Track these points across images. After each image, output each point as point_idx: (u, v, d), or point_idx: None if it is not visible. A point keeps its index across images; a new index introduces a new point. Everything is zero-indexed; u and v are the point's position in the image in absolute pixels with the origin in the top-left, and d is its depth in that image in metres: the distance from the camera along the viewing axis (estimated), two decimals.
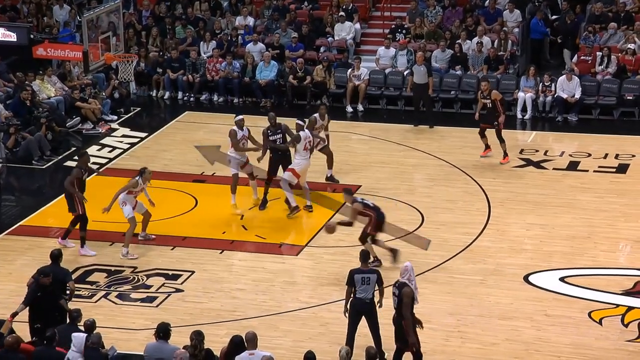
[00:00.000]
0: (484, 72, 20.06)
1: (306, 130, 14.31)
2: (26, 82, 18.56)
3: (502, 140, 16.55)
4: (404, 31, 21.13)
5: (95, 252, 13.49)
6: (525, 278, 12.69)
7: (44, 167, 16.93)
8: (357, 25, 21.61)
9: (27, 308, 10.36)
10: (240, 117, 14.94)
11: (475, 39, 20.49)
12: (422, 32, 21.08)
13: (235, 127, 14.71)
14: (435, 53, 20.41)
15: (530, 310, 11.87)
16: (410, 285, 9.91)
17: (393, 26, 21.35)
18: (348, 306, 10.46)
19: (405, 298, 9.83)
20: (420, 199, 15.23)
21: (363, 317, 10.50)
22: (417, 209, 14.88)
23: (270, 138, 14.68)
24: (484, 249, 13.58)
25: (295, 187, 14.49)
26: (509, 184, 15.80)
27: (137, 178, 13.41)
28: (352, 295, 10.41)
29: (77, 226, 13.48)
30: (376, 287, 10.51)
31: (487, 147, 16.87)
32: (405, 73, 20.07)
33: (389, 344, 10.49)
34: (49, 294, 10.31)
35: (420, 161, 17.04)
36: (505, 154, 16.63)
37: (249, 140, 14.88)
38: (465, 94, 19.94)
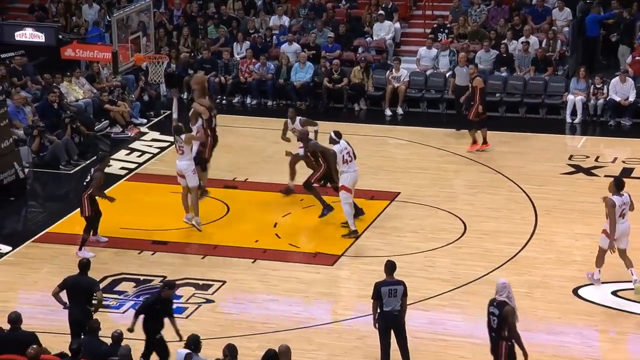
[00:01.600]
0: (531, 74, 19.95)
1: (341, 142, 14.08)
2: (54, 84, 18.78)
3: (472, 128, 17.03)
4: (446, 31, 21.08)
5: (94, 254, 13.56)
6: (575, 291, 12.58)
7: (71, 172, 17.12)
8: (397, 25, 21.60)
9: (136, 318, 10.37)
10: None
11: (522, 39, 20.36)
12: (465, 32, 21.02)
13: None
14: (479, 54, 20.33)
15: (580, 325, 11.76)
16: (511, 303, 9.78)
17: (435, 25, 21.30)
18: (376, 320, 10.44)
19: (509, 317, 9.70)
20: (462, 207, 15.17)
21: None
22: (458, 217, 14.82)
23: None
24: (530, 260, 13.49)
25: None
26: (557, 191, 15.70)
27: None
28: (380, 309, 10.37)
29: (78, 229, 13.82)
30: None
31: (475, 141, 17.17)
32: (447, 75, 20.04)
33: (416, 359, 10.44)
34: (165, 307, 10.36)
35: (461, 167, 16.99)
36: (474, 142, 17.09)
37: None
38: (511, 97, 19.84)
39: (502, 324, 9.70)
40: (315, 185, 14.66)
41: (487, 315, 9.86)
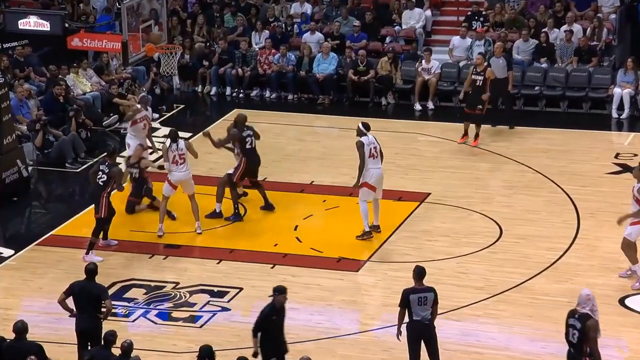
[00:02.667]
0: (573, 65, 19.88)
1: (369, 135, 14.13)
2: (60, 76, 18.89)
3: (480, 123, 17.16)
4: (481, 18, 21.04)
5: (102, 258, 13.65)
6: (621, 301, 12.53)
7: (78, 170, 17.21)
8: (428, 12, 21.58)
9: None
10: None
11: (564, 27, 20.28)
12: (502, 20, 20.95)
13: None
14: (517, 43, 20.28)
15: (626, 338, 11.70)
16: (594, 317, 9.76)
17: (469, 13, 21.26)
18: (405, 330, 10.43)
19: (591, 332, 9.66)
20: (498, 209, 15.15)
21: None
22: (494, 220, 14.79)
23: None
24: (572, 267, 13.45)
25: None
26: (602, 192, 15.63)
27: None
28: (408, 318, 10.36)
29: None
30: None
31: (467, 133, 17.45)
32: None
33: None
34: (282, 317, 10.22)
35: (497, 166, 16.96)
36: (477, 136, 17.22)
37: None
38: (552, 90, 19.77)
39: (584, 338, 9.64)
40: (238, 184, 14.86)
41: (566, 327, 9.82)
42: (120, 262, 13.90)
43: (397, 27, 21.32)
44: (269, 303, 10.25)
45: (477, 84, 17.29)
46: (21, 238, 14.90)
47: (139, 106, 15.85)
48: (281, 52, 20.67)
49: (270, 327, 10.12)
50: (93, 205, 13.85)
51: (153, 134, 17.75)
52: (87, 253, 13.71)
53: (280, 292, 10.26)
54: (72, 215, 15.41)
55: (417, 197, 15.62)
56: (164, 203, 14.55)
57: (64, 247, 14.31)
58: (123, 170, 14.36)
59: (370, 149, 14.02)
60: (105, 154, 14.47)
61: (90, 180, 14.23)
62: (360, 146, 13.99)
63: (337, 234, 14.45)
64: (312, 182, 16.33)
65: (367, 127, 14.20)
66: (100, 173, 13.74)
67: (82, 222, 15.00)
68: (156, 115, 19.44)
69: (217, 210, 14.95)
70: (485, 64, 17.52)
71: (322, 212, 15.25)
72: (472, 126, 17.59)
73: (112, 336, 9.88)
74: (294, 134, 18.72)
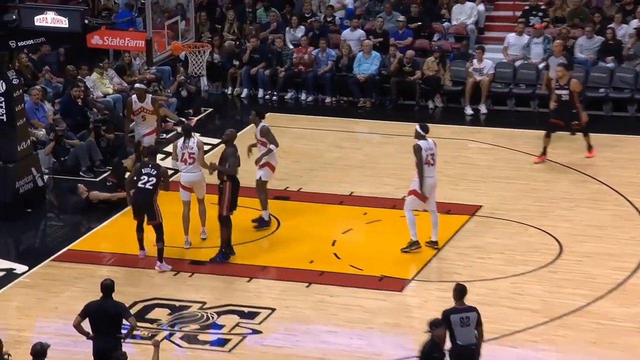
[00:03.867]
0: None
1: (429, 140, 14.00)
2: (78, 77, 18.98)
3: (586, 133, 16.90)
4: (540, 14, 20.91)
5: (171, 266, 13.95)
6: None
7: (96, 179, 17.26)
8: (481, 7, 21.54)
9: None
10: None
11: (634, 22, 20.09)
12: (562, 15, 20.81)
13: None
14: (580, 40, 20.14)
15: None
16: None
17: (526, 7, 21.20)
18: (449, 358, 10.26)
19: None
20: (558, 224, 15.07)
21: None
22: (552, 236, 14.71)
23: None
24: None
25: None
26: None
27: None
28: (451, 344, 10.23)
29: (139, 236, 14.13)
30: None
31: (545, 152, 17.01)
32: (540, 66, 19.89)
33: None
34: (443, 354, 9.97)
35: (556, 176, 16.87)
36: (591, 147, 16.92)
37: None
38: (619, 92, 19.64)
39: None
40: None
41: None
42: (142, 279, 13.95)
43: (446, 23, 21.31)
44: (428, 340, 10.05)
45: (563, 98, 16.86)
46: (36, 253, 14.99)
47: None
48: (320, 47, 20.65)
49: None
50: (144, 215, 13.96)
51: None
52: (160, 261, 13.94)
53: (437, 325, 10.03)
54: (91, 228, 15.52)
55: (467, 209, 15.57)
56: (185, 210, 14.55)
57: (82, 262, 14.37)
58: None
59: (427, 155, 13.95)
60: (145, 157, 14.56)
61: (126, 189, 14.37)
62: (417, 150, 13.94)
63: (379, 250, 14.43)
64: (352, 193, 16.35)
65: (425, 129, 14.10)
66: (146, 177, 13.86)
67: (101, 236, 15.06)
68: (182, 119, 19.40)
69: (266, 219, 15.01)
70: (568, 75, 16.96)
71: (362, 225, 15.26)
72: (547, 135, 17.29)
73: (122, 357, 9.95)
74: (332, 140, 18.77)
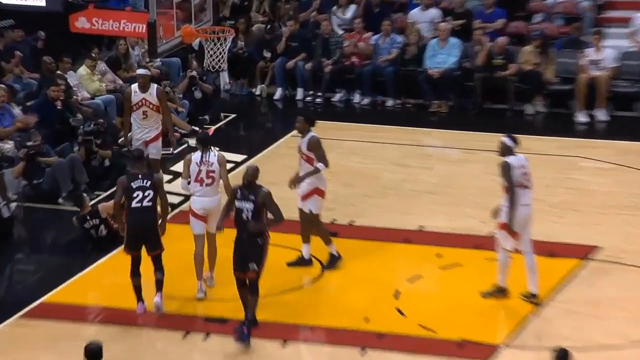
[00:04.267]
0: None
1: (519, 155, 13.77)
2: (58, 72, 18.86)
3: None
4: None
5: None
6: None
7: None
8: None
9: None
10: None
11: None
12: None
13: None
14: None
15: None
16: None
17: None
18: None
19: None
20: None
21: None
22: None
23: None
24: None
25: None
26: None
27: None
28: None
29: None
30: None
31: None
32: None
33: None
34: None
35: None
36: None
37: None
38: None
39: None
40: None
41: None
42: (142, 341, 13.69)
43: (550, 0, 20.99)
44: None
45: None
46: (1, 307, 14.64)
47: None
48: (383, 30, 20.45)
49: None
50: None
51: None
52: (159, 290, 13.74)
53: (562, 358, 10.29)
54: (72, 273, 15.23)
55: (578, 251, 15.31)
56: (197, 248, 14.28)
57: (60, 319, 14.07)
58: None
59: (519, 174, 13.68)
60: (135, 163, 14.07)
61: (116, 215, 14.03)
62: (505, 169, 13.69)
63: (458, 305, 14.14)
64: (422, 227, 16.07)
65: (515, 140, 13.93)
66: (139, 192, 13.46)
67: (86, 283, 14.95)
68: (196, 128, 19.24)
69: (306, 257, 14.91)
70: None
71: (435, 271, 15.02)
72: None
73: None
74: (395, 156, 18.54)
